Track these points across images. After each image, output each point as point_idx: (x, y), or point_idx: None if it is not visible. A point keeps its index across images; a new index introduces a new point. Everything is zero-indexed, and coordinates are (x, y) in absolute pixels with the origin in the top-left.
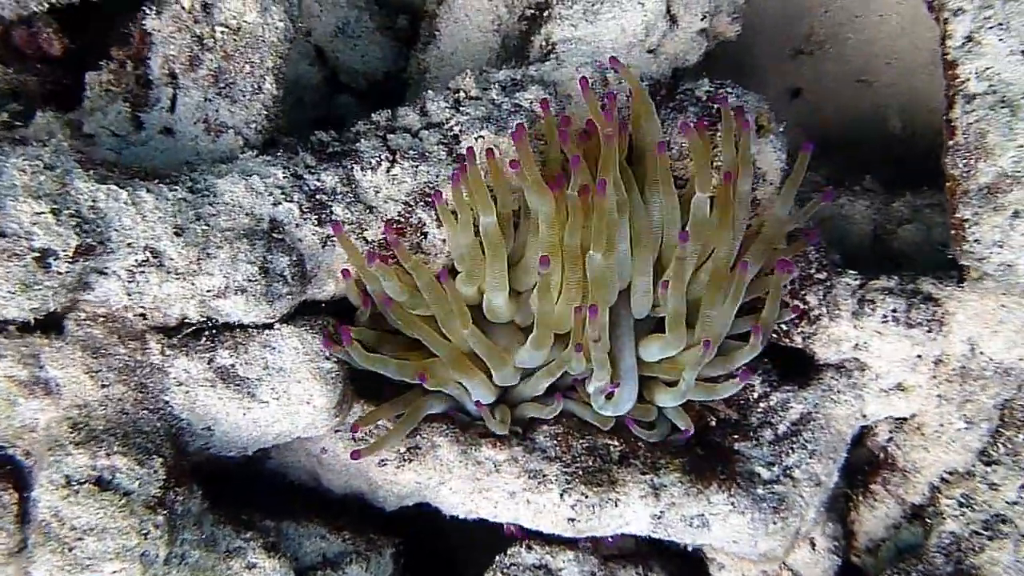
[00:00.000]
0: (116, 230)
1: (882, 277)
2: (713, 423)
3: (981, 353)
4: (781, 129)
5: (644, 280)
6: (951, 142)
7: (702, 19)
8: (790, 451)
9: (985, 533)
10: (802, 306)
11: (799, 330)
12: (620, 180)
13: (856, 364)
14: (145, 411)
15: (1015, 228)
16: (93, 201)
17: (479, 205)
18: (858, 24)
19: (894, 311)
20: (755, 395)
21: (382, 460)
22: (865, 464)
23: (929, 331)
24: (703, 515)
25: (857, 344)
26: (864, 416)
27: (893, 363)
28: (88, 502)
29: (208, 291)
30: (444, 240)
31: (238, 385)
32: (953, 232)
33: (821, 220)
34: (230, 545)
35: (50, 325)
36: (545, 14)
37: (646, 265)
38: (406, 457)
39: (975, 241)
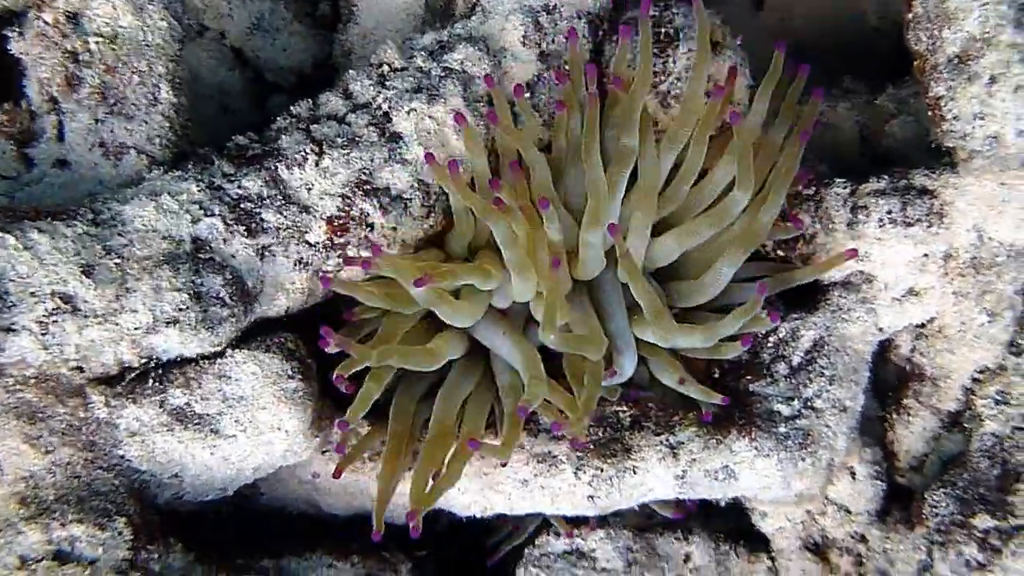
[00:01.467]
0: (12, 280)
1: (871, 179)
2: (718, 373)
3: (990, 239)
4: (739, 42)
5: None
6: (910, 15)
7: None
8: (808, 381)
9: None
10: (800, 227)
11: (797, 253)
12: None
13: (862, 277)
14: (99, 471)
15: (994, 95)
16: None
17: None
18: None
19: (889, 212)
20: (763, 330)
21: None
22: (895, 382)
23: (930, 226)
24: (727, 466)
25: (859, 256)
26: (881, 330)
27: (899, 268)
28: None
29: (136, 329)
30: (393, 228)
31: (198, 424)
32: (930, 113)
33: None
34: None
35: None
36: None
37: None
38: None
39: (954, 118)
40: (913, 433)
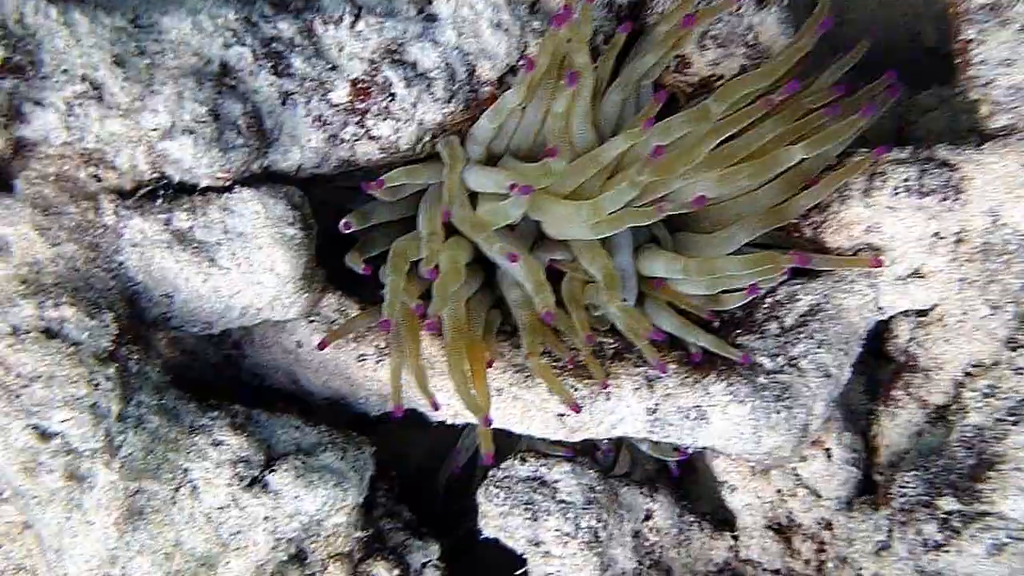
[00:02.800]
0: (48, 52)
1: (894, 149)
2: (716, 324)
3: (1004, 224)
4: (786, 2)
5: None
6: None
7: None
8: (796, 341)
9: (1010, 419)
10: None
11: (809, 221)
12: None
13: (869, 251)
14: (98, 270)
15: (1023, 43)
16: (19, 15)
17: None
18: None
19: (906, 180)
20: (766, 287)
21: (361, 355)
22: (888, 376)
23: (944, 199)
24: (700, 407)
25: (869, 227)
26: (880, 309)
27: (909, 243)
28: (34, 349)
29: (153, 130)
30: (413, 104)
31: (196, 248)
32: (958, 60)
33: None
34: (195, 422)
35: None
36: None
37: None
38: (386, 352)
39: (981, 62)
40: (898, 426)
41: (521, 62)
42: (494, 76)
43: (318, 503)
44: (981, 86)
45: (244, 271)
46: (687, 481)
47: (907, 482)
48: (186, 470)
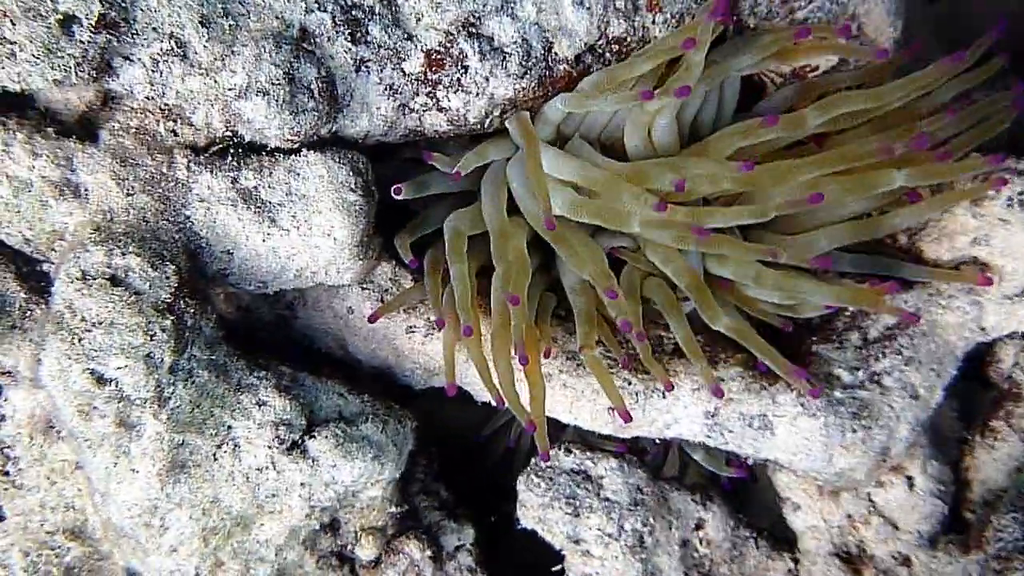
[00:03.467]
0: (142, 10)
1: (1011, 157)
2: (790, 328)
3: None
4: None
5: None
6: None
7: None
8: (881, 355)
9: None
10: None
11: (905, 227)
12: None
13: (976, 264)
14: (165, 222)
15: None
16: None
17: None
18: None
19: (1022, 193)
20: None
21: (411, 327)
22: (988, 403)
23: None
24: (765, 415)
25: (976, 238)
26: (983, 329)
27: (1019, 259)
28: (99, 295)
29: (230, 89)
30: (487, 78)
31: (259, 208)
32: None
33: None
34: (242, 380)
35: (85, 135)
36: None
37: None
38: (436, 325)
39: None
40: (996, 460)
41: (600, 41)
42: (571, 54)
43: (355, 474)
44: None
45: (303, 233)
46: (744, 491)
47: (1004, 525)
48: (229, 427)
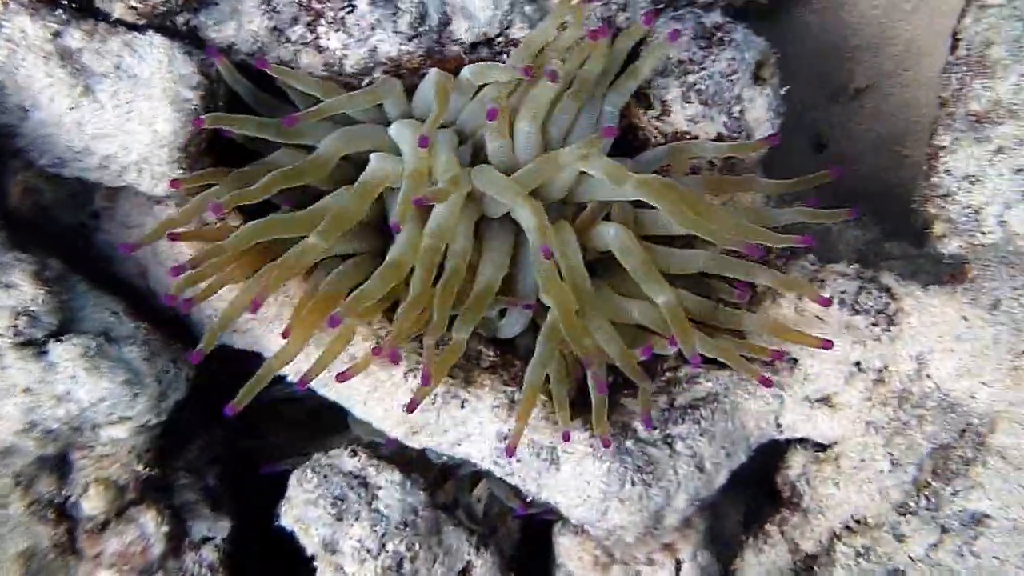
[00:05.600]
0: None
1: (842, 263)
2: (609, 379)
3: (928, 376)
4: (783, 92)
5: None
6: (952, 56)
7: None
8: (680, 420)
9: None
10: (750, 291)
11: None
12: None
13: (787, 361)
14: None
15: (994, 165)
16: None
17: None
18: (905, 79)
19: (843, 292)
20: (666, 363)
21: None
22: (767, 507)
23: (875, 324)
24: (555, 448)
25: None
26: (779, 426)
27: (827, 364)
28: None
29: None
30: (373, 26)
31: (76, 71)
32: (925, 165)
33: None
34: None
35: None
36: None
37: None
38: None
39: (946, 171)
40: (761, 564)
41: (500, 38)
42: (468, 38)
43: (96, 394)
44: (940, 197)
45: (120, 115)
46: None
47: None
48: None
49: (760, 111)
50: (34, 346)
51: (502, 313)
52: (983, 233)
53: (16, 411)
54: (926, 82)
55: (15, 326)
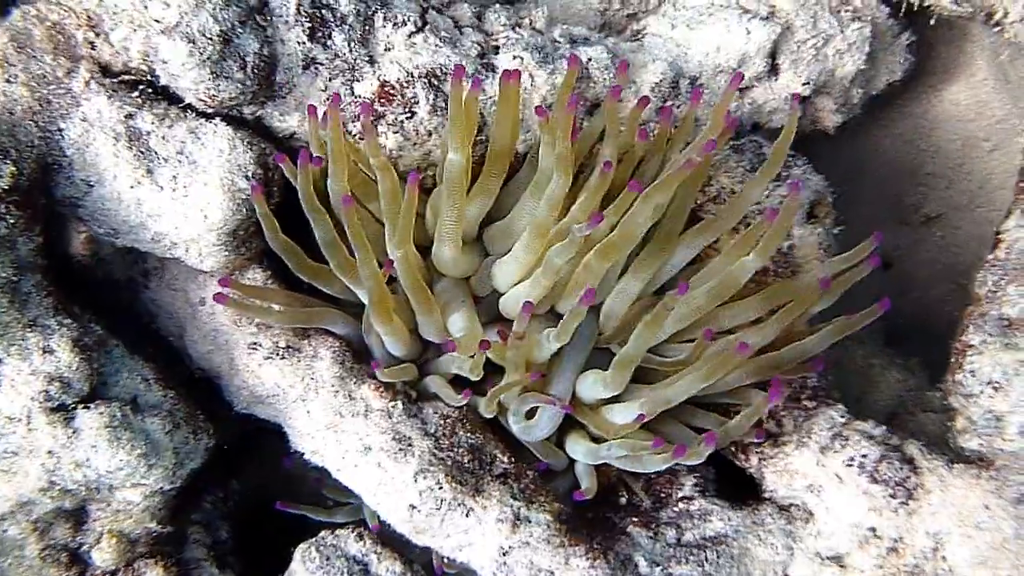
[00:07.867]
0: None
1: (870, 421)
2: (623, 500)
3: (943, 558)
4: (836, 232)
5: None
6: (991, 256)
7: (804, 83)
8: (684, 560)
9: None
10: (775, 429)
11: (758, 450)
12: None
13: (803, 511)
14: (31, 123)
15: (1020, 376)
16: None
17: (454, 135)
18: (977, 216)
19: (864, 456)
20: (679, 493)
21: (254, 344)
22: None
23: (893, 496)
24: (552, 572)
25: (812, 485)
26: None
27: (842, 522)
28: None
29: (156, 21)
30: (430, 132)
31: (142, 153)
32: (952, 359)
33: (838, 364)
34: (39, 318)
35: None
36: (651, 7)
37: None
38: (280, 352)
39: (971, 372)
40: None
41: None
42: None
43: (113, 464)
44: (963, 395)
45: (176, 198)
46: None
47: None
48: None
49: (809, 249)
50: (63, 411)
51: (530, 414)
52: (1003, 439)
53: (39, 471)
54: (997, 222)
55: (47, 391)
